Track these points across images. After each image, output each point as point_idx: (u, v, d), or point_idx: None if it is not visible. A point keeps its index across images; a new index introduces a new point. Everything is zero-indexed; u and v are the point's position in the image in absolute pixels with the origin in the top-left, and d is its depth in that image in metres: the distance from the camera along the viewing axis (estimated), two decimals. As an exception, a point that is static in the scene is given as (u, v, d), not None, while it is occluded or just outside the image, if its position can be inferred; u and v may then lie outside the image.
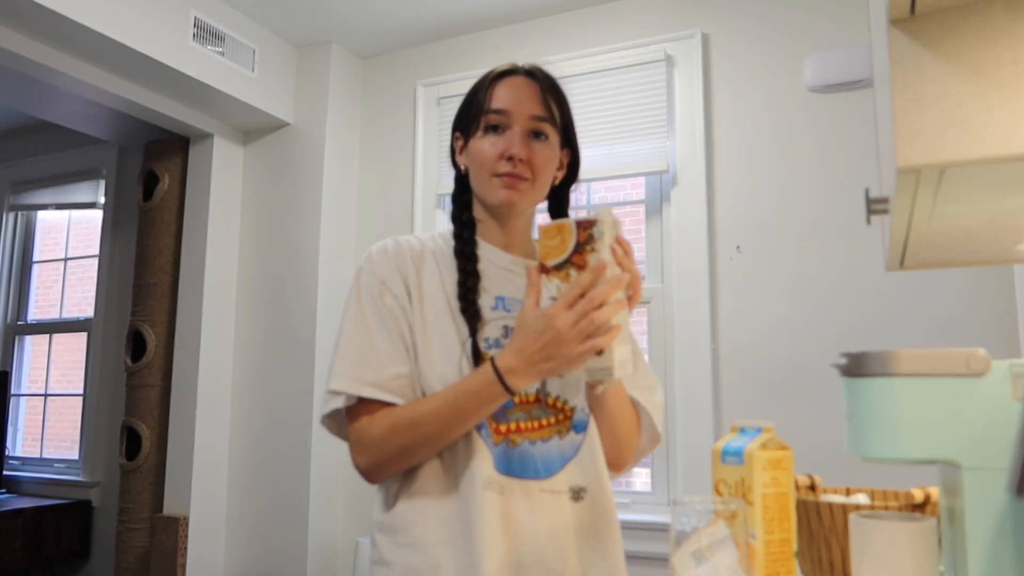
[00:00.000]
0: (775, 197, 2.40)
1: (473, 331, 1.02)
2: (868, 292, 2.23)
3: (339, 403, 1.02)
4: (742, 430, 0.86)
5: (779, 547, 0.79)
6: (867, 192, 0.93)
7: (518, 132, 1.06)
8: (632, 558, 2.34)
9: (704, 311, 2.41)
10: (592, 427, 1.09)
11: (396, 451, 1.00)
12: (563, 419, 1.06)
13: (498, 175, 1.06)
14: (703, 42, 2.54)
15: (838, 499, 1.09)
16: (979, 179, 0.65)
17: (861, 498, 1.14)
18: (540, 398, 1.05)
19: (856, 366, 0.78)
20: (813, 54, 1.70)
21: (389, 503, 1.05)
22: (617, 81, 2.61)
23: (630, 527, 2.36)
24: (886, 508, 1.03)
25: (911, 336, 2.15)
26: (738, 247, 2.42)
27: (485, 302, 1.06)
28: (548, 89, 1.10)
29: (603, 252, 0.88)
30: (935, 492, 1.03)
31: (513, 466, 1.01)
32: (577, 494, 1.05)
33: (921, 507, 1.03)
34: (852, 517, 0.81)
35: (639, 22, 2.66)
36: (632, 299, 0.93)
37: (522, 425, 1.02)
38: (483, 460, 1.00)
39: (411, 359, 1.04)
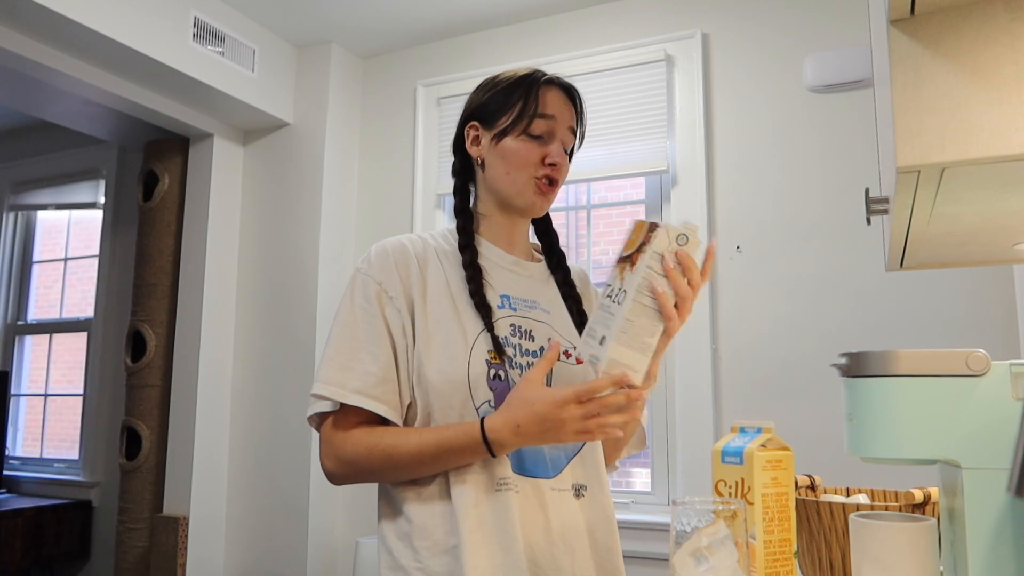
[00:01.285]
0: (775, 197, 2.40)
1: (490, 326, 1.03)
2: (868, 292, 2.23)
3: (325, 407, 1.03)
4: (742, 430, 0.86)
5: (779, 547, 0.79)
6: (867, 192, 0.93)
7: (559, 143, 1.11)
8: (632, 558, 2.34)
9: (704, 311, 2.41)
10: None
11: (366, 473, 1.02)
12: None
13: (537, 178, 1.09)
14: (703, 42, 2.54)
15: (838, 499, 1.09)
16: (979, 179, 0.65)
17: (861, 498, 1.14)
18: None
19: (856, 366, 0.78)
20: (813, 54, 1.70)
21: (400, 507, 1.04)
22: (617, 81, 2.61)
23: (630, 527, 2.37)
24: (886, 508, 1.03)
25: (911, 336, 2.15)
26: (738, 247, 2.42)
27: (491, 300, 1.08)
28: (580, 110, 1.16)
29: (647, 258, 0.88)
30: (935, 492, 1.03)
31: (526, 465, 1.02)
32: (579, 491, 1.06)
33: (921, 507, 1.03)
34: (852, 517, 0.81)
35: (639, 22, 2.66)
36: (678, 317, 0.91)
37: None
38: (498, 460, 1.00)
39: (405, 362, 1.04)
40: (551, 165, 1.09)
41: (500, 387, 1.02)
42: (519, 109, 1.09)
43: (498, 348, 1.02)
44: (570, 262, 1.24)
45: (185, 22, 2.56)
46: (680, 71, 2.56)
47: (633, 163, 2.55)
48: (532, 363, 1.05)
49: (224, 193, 3.01)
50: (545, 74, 1.14)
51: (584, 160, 2.58)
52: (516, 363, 1.04)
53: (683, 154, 2.51)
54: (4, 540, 3.20)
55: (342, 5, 2.75)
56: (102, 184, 3.76)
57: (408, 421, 1.05)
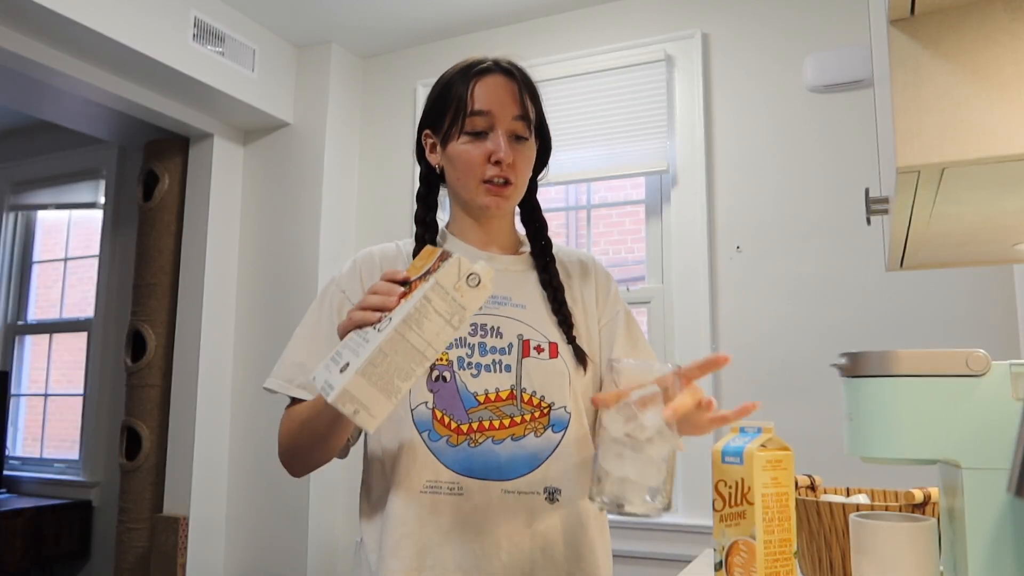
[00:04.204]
0: (775, 197, 2.40)
1: None
2: (868, 292, 2.23)
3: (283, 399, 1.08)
4: (742, 430, 0.86)
5: (779, 547, 0.79)
6: (867, 192, 0.93)
7: (502, 135, 1.04)
8: (632, 558, 2.35)
9: (704, 311, 2.41)
10: (573, 427, 1.05)
11: (289, 445, 1.03)
12: (539, 416, 1.03)
13: (485, 180, 1.04)
14: (703, 42, 2.54)
15: (838, 499, 1.09)
16: (979, 179, 0.65)
17: (861, 498, 1.14)
18: (514, 395, 1.02)
19: (856, 366, 0.78)
20: (813, 54, 1.70)
21: (358, 516, 1.09)
22: (617, 81, 2.61)
23: (630, 527, 2.37)
24: (886, 508, 1.03)
25: (911, 336, 2.15)
26: (738, 247, 2.42)
27: None
28: (525, 87, 1.08)
29: (427, 287, 0.78)
30: (935, 492, 1.03)
31: (474, 466, 0.99)
32: (552, 495, 1.02)
33: (921, 507, 1.03)
34: (852, 517, 0.82)
35: (639, 22, 2.66)
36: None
37: (485, 424, 1.00)
38: (424, 463, 0.99)
39: None
40: (497, 163, 1.03)
41: (442, 388, 1.01)
42: (453, 110, 1.05)
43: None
44: (572, 250, 1.20)
45: (185, 22, 2.56)
46: (680, 71, 2.56)
47: (633, 163, 2.55)
48: (498, 361, 1.03)
49: (224, 193, 3.01)
50: (482, 63, 1.07)
51: (584, 160, 2.58)
52: (473, 363, 1.02)
53: (683, 154, 2.51)
54: (4, 540, 3.20)
55: (342, 5, 2.75)
56: (102, 184, 3.76)
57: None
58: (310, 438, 0.99)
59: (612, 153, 2.58)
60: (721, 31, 2.54)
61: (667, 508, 0.78)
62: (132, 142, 3.36)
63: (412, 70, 3.02)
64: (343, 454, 1.07)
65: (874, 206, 0.86)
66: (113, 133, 3.30)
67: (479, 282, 0.78)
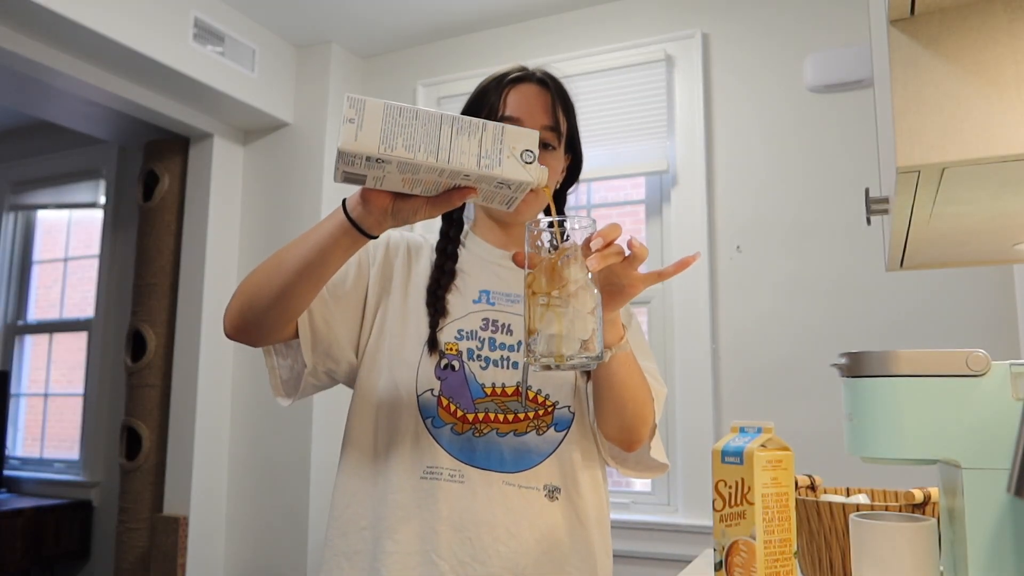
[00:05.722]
0: (775, 197, 2.40)
1: (434, 324, 1.04)
2: (868, 292, 2.23)
3: None
4: (742, 430, 0.86)
5: (779, 547, 0.79)
6: (867, 192, 0.93)
7: None
8: (632, 558, 2.34)
9: (704, 311, 2.41)
10: (576, 427, 1.06)
11: (254, 280, 0.96)
12: (543, 415, 1.04)
13: None
14: (703, 42, 2.54)
15: (838, 499, 1.09)
16: (979, 179, 0.65)
17: (861, 498, 1.14)
18: (520, 391, 1.04)
19: (856, 366, 0.78)
20: (813, 54, 1.70)
21: (335, 496, 1.07)
22: (617, 81, 2.61)
23: (630, 527, 2.37)
24: (886, 508, 1.03)
25: (911, 336, 2.15)
26: (738, 247, 2.42)
27: (467, 295, 1.08)
28: (558, 99, 1.09)
29: (496, 123, 0.79)
30: (935, 492, 1.03)
31: (476, 455, 1.01)
32: (552, 493, 1.03)
33: (921, 507, 1.03)
34: (852, 517, 0.82)
35: (639, 22, 2.66)
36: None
37: (491, 416, 1.02)
38: (425, 449, 1.00)
39: (355, 294, 1.06)
40: None
41: (451, 376, 1.02)
42: (485, 114, 1.06)
43: (433, 346, 1.02)
44: None
45: (185, 22, 2.56)
46: (680, 71, 2.56)
47: (633, 163, 2.55)
48: (506, 357, 1.04)
49: (224, 193, 3.01)
50: (518, 71, 1.09)
51: (584, 160, 2.57)
52: (482, 356, 1.04)
53: (683, 154, 2.51)
54: (4, 540, 3.20)
55: (342, 5, 2.75)
56: (102, 184, 3.76)
57: (349, 382, 1.08)
58: (292, 260, 0.90)
59: (612, 153, 2.58)
60: (721, 31, 2.54)
61: (600, 357, 0.78)
62: (132, 142, 3.36)
63: (412, 70, 3.02)
64: (290, 391, 1.07)
65: (874, 206, 0.86)
66: (113, 133, 3.30)
67: (533, 161, 0.77)
